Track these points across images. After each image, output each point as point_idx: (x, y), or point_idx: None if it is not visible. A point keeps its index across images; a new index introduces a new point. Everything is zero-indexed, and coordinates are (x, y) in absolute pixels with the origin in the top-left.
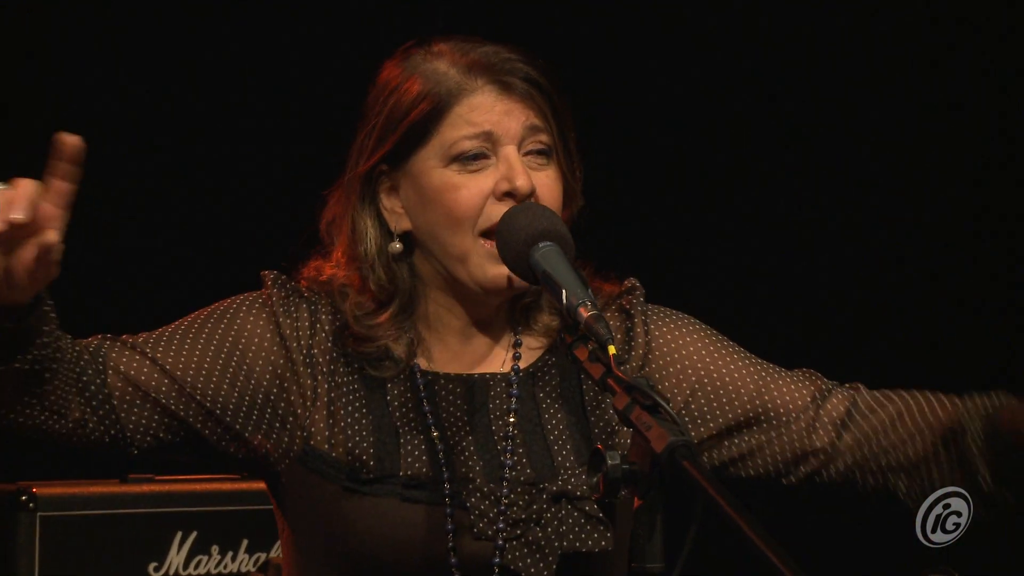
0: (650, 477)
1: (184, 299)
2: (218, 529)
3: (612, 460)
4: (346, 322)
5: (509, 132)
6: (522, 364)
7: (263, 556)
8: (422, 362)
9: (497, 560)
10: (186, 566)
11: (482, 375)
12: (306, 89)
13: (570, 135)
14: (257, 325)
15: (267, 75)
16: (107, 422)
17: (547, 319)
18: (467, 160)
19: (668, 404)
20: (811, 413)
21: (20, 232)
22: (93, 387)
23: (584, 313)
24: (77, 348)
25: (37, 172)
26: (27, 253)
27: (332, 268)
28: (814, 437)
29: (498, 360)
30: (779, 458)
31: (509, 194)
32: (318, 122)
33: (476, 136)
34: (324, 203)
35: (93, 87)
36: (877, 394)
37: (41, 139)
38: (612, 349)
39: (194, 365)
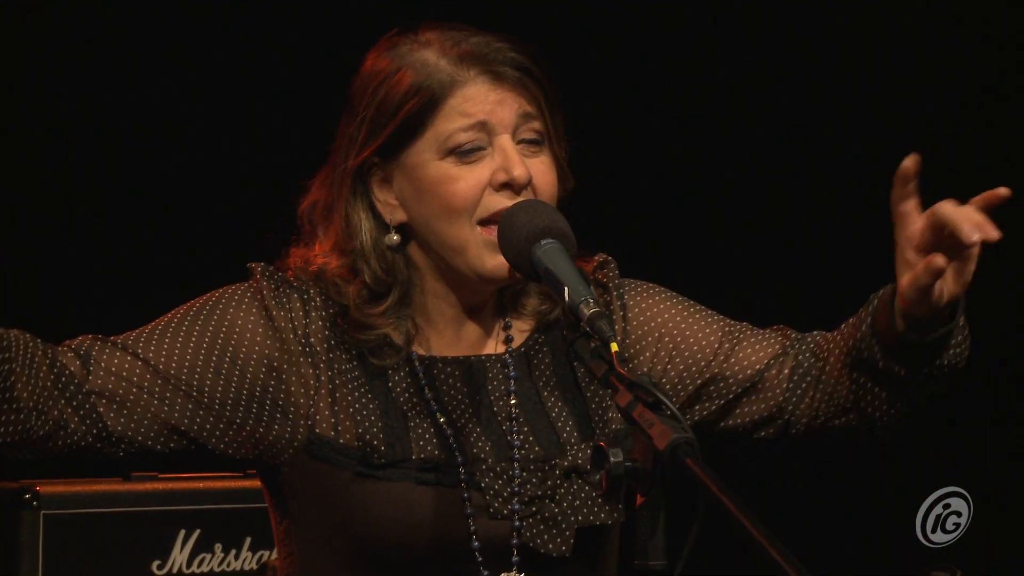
0: (653, 474)
1: (169, 293)
2: (221, 527)
3: (615, 457)
4: (341, 310)
5: (503, 121)
6: (514, 345)
7: (266, 554)
8: (419, 349)
9: (515, 540)
10: (189, 564)
11: (478, 357)
12: (282, 80)
13: (560, 118)
14: (248, 319)
15: (248, 67)
16: (88, 421)
17: (535, 303)
18: (463, 152)
19: (671, 401)
20: (774, 371)
21: None
22: (73, 387)
23: (586, 311)
24: (52, 349)
25: (29, 170)
26: None
27: (322, 258)
28: (779, 393)
29: (491, 343)
30: (756, 416)
31: (507, 184)
32: (297, 111)
33: (471, 127)
34: (303, 191)
35: (76, 81)
36: (820, 340)
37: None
38: (614, 347)
39: (186, 360)
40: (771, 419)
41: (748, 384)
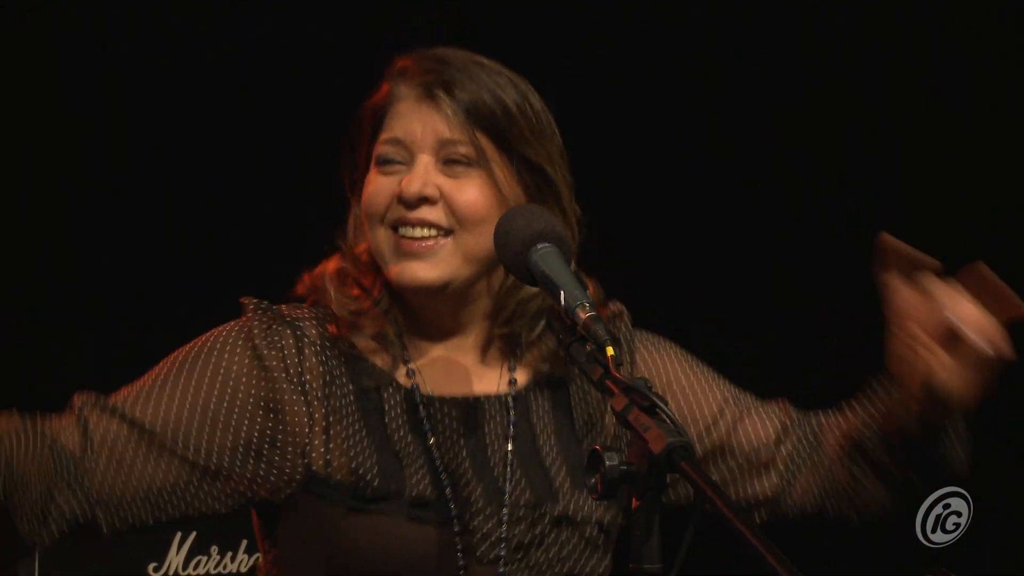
0: (647, 478)
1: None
2: (217, 529)
3: (610, 461)
4: (335, 321)
5: (417, 141)
6: (516, 387)
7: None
8: (419, 381)
9: None
10: (185, 566)
11: (477, 398)
12: (315, 92)
13: (524, 147)
14: (243, 364)
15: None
16: (81, 494)
17: (543, 351)
18: (381, 163)
19: (667, 405)
20: (771, 453)
21: None
22: (73, 466)
23: (582, 314)
24: (51, 432)
25: (31, 168)
26: None
27: (341, 264)
28: (770, 480)
29: (491, 381)
30: (755, 496)
31: (400, 197)
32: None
33: (388, 141)
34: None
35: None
36: (820, 421)
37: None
38: (610, 350)
39: (172, 419)
40: (766, 502)
41: (755, 464)
